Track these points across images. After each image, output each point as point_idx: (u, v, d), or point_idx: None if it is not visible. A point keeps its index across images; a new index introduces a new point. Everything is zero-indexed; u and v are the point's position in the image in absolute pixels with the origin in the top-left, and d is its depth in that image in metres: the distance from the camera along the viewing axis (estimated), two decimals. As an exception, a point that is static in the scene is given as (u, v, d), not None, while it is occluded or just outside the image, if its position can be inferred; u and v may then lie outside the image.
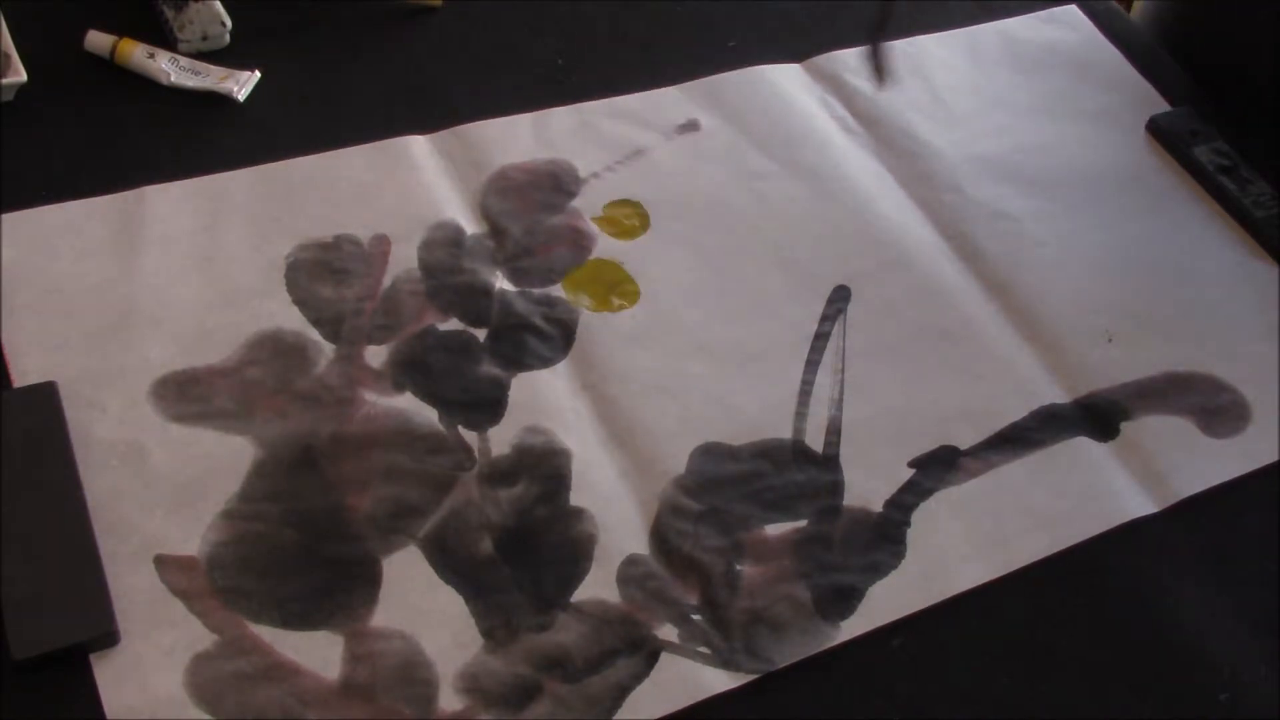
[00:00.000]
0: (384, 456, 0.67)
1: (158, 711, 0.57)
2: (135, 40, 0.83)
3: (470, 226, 0.79)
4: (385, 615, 0.61)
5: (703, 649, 0.62)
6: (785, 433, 0.72)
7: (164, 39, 0.84)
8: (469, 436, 0.69)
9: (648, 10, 0.96)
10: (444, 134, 0.83)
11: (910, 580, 0.67)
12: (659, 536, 0.66)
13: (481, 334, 0.73)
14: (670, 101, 0.89)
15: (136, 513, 0.62)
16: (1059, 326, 0.80)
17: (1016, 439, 0.74)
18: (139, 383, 0.67)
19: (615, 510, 0.67)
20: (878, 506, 0.70)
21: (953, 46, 0.98)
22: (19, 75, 0.78)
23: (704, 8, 0.97)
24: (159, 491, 0.63)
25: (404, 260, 0.76)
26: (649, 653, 0.62)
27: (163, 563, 0.61)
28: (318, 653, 0.60)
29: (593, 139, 0.85)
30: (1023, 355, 0.78)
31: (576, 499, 0.67)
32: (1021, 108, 0.94)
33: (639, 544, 0.66)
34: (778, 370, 0.75)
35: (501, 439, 0.69)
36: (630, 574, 0.65)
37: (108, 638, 0.58)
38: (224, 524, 0.63)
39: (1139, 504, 0.72)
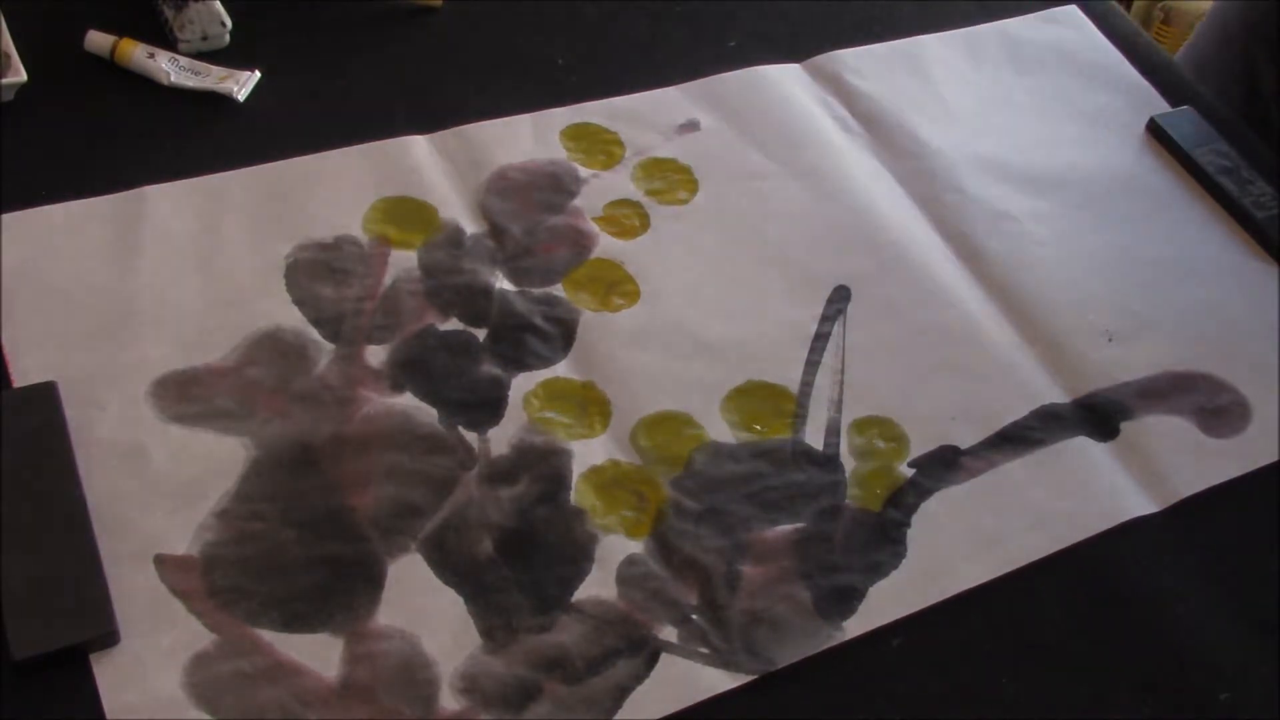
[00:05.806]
0: (384, 456, 0.67)
1: (158, 711, 0.57)
2: (135, 40, 0.83)
3: (470, 226, 0.79)
4: (385, 615, 0.61)
5: (703, 649, 0.62)
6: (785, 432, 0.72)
7: (164, 39, 0.84)
8: (469, 436, 0.68)
9: (648, 10, 0.96)
10: (444, 134, 0.83)
11: (910, 580, 0.66)
12: (659, 537, 0.66)
13: (481, 334, 0.73)
14: (670, 101, 0.89)
15: (136, 513, 0.62)
16: (1059, 326, 0.80)
17: (1017, 438, 0.74)
18: (139, 383, 0.67)
19: (615, 510, 0.67)
20: (878, 506, 0.70)
21: (953, 46, 0.98)
22: (19, 75, 0.78)
23: (704, 8, 0.97)
24: (159, 491, 0.63)
25: (404, 260, 0.76)
26: (649, 653, 0.62)
27: (163, 563, 0.61)
28: (318, 653, 0.60)
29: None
30: (1023, 355, 0.78)
31: (576, 499, 0.67)
32: (1021, 108, 0.94)
33: (639, 544, 0.66)
34: (778, 370, 0.75)
35: (501, 439, 0.69)
36: (630, 574, 0.65)
37: (108, 638, 0.58)
38: (223, 524, 0.63)
39: (1139, 504, 0.72)
